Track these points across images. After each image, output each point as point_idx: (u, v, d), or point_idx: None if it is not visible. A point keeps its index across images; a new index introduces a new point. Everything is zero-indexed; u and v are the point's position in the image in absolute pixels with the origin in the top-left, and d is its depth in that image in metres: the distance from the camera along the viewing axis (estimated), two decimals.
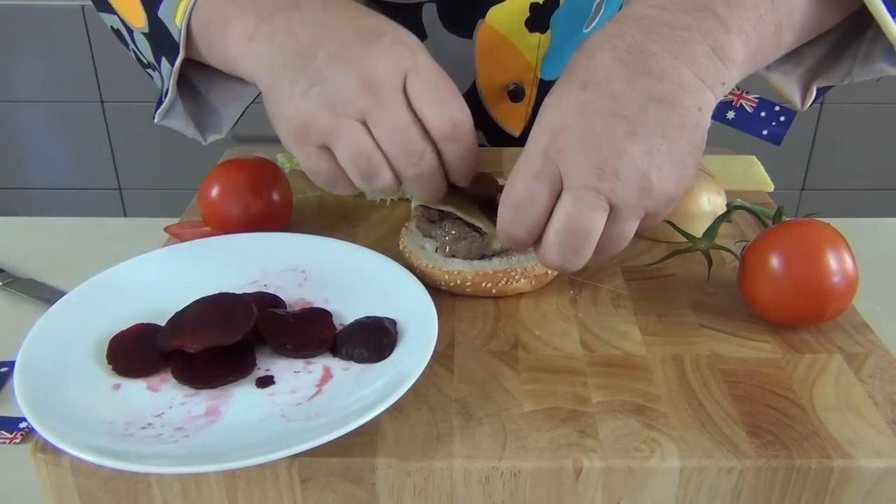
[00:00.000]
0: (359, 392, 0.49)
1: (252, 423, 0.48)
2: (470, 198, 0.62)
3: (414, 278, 0.58)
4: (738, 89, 0.66)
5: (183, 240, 0.66)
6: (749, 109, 0.66)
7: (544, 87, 0.90)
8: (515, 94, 0.87)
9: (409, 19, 0.82)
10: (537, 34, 0.84)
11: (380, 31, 0.54)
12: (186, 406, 0.49)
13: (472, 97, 0.88)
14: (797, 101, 0.64)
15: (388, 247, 0.64)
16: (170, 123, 0.68)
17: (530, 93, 0.89)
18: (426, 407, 0.50)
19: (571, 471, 0.46)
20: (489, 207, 0.61)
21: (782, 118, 0.65)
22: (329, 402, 0.49)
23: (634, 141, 0.48)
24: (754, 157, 0.85)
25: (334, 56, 0.53)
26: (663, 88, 0.49)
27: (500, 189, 0.63)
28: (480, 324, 0.58)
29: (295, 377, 0.52)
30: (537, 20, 0.83)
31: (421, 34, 0.83)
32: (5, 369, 0.66)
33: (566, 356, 0.55)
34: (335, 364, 0.53)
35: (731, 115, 0.67)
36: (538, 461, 0.46)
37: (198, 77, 0.67)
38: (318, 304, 0.58)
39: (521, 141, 0.92)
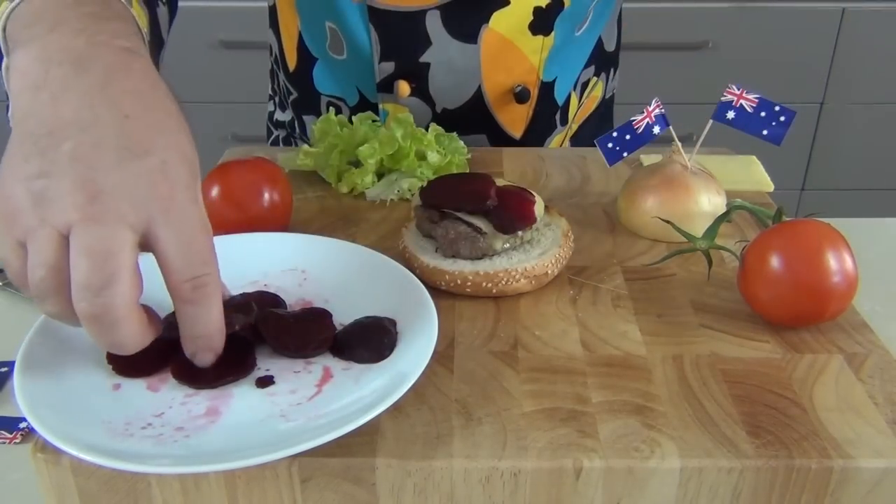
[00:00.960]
0: (359, 392, 0.49)
1: (252, 423, 0.48)
2: (465, 196, 0.62)
3: (414, 278, 0.58)
4: (739, 89, 0.66)
5: None
6: (749, 109, 0.66)
7: (545, 89, 0.91)
8: (521, 96, 0.88)
9: (413, 26, 0.82)
10: (541, 37, 0.84)
11: (148, 148, 0.45)
12: (186, 406, 0.49)
13: (478, 101, 0.88)
14: None
15: (388, 247, 0.64)
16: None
17: (533, 94, 0.89)
18: (426, 407, 0.50)
19: (571, 471, 0.46)
20: (484, 206, 0.61)
21: (782, 118, 0.65)
22: (329, 402, 0.49)
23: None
24: (754, 157, 0.85)
25: (79, 155, 0.44)
26: None
27: (497, 188, 0.63)
28: (480, 324, 0.58)
29: (295, 377, 0.52)
30: (540, 23, 0.84)
31: (425, 41, 0.83)
32: (5, 369, 0.66)
33: (566, 356, 0.55)
34: (335, 364, 0.53)
35: (731, 115, 0.67)
36: (538, 461, 0.46)
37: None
38: (318, 304, 0.58)
39: (521, 142, 0.92)
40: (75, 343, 0.53)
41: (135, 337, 0.45)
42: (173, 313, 0.54)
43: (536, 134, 0.94)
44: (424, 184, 0.70)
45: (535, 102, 0.91)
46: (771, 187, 0.80)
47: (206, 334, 0.47)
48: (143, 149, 0.45)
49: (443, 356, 0.54)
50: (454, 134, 0.82)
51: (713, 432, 0.48)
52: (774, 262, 0.55)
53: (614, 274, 0.64)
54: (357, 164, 0.79)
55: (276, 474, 0.47)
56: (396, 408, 0.48)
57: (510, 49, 0.85)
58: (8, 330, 0.59)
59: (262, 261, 0.62)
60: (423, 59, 0.83)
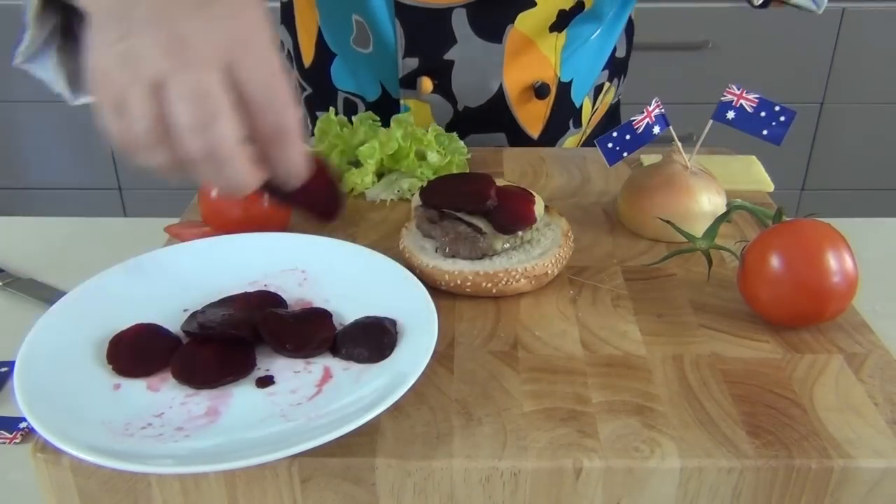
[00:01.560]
0: (359, 392, 0.49)
1: (252, 423, 0.48)
2: (465, 197, 0.62)
3: (414, 278, 0.58)
4: (739, 89, 0.66)
5: (183, 240, 0.66)
6: (749, 109, 0.66)
7: (562, 88, 0.92)
8: (541, 91, 0.89)
9: (439, 24, 0.83)
10: (555, 34, 0.86)
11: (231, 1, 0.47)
12: (186, 406, 0.49)
13: (499, 99, 0.89)
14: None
15: (388, 247, 0.64)
16: (34, 70, 0.63)
17: (552, 91, 0.90)
18: (426, 407, 0.50)
19: (571, 471, 0.46)
20: (484, 206, 0.61)
21: (782, 118, 0.65)
22: (329, 402, 0.49)
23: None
24: (754, 157, 0.85)
25: (153, 14, 0.45)
26: None
27: (497, 188, 0.63)
28: (480, 324, 0.58)
29: (295, 377, 0.52)
30: (559, 22, 0.85)
31: (450, 39, 0.84)
32: (5, 369, 0.66)
33: (566, 356, 0.55)
34: (335, 364, 0.53)
35: (731, 115, 0.67)
36: (538, 461, 0.46)
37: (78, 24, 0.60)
38: (318, 304, 0.58)
39: (538, 142, 0.92)
40: (75, 343, 0.53)
41: (246, 173, 0.46)
42: (193, 315, 0.55)
43: (552, 134, 0.95)
44: (424, 184, 0.70)
45: (553, 101, 0.92)
46: (771, 187, 0.80)
47: (293, 174, 0.49)
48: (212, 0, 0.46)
49: (443, 356, 0.54)
50: (454, 134, 0.82)
51: (713, 432, 0.48)
52: (774, 262, 0.55)
53: (614, 274, 0.64)
54: (357, 164, 0.79)
55: (276, 474, 0.47)
56: (396, 408, 0.48)
57: (531, 47, 0.86)
58: (8, 330, 0.59)
59: (262, 261, 0.62)
60: (448, 56, 0.83)
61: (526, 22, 0.84)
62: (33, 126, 2.16)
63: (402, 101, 0.91)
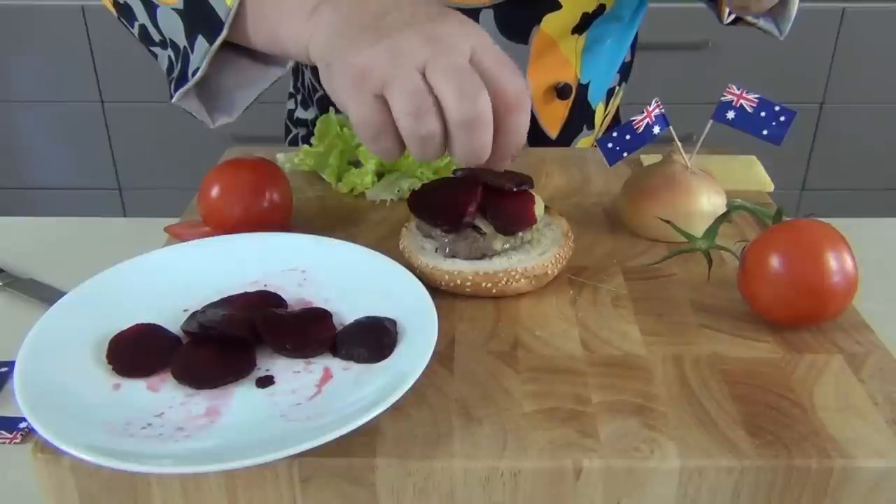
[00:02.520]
0: (359, 392, 0.49)
1: (252, 423, 0.48)
2: (442, 210, 0.62)
3: (414, 278, 0.58)
4: (739, 89, 0.66)
5: (183, 240, 0.66)
6: (749, 109, 0.66)
7: (581, 90, 0.93)
8: (564, 92, 0.90)
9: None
10: (576, 36, 0.87)
11: (447, 11, 0.57)
12: (186, 406, 0.49)
13: None
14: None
15: (388, 247, 0.64)
16: (185, 104, 0.69)
17: (577, 90, 0.91)
18: (426, 407, 0.50)
19: (571, 471, 0.46)
20: (459, 223, 0.61)
21: (782, 118, 0.65)
22: (329, 402, 0.49)
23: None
24: (754, 157, 0.85)
25: (404, 21, 0.55)
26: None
27: (495, 189, 0.63)
28: (480, 324, 0.58)
29: (295, 377, 0.52)
30: (581, 24, 0.87)
31: None
32: (5, 369, 0.66)
33: (566, 356, 0.55)
34: (335, 364, 0.53)
35: (731, 115, 0.67)
36: (538, 461, 0.46)
37: (216, 59, 0.66)
38: (318, 304, 0.58)
39: (556, 142, 0.93)
40: (75, 343, 0.53)
41: (490, 141, 0.54)
42: (193, 315, 0.55)
43: (568, 135, 0.96)
44: (425, 182, 0.70)
45: (572, 102, 0.93)
46: (771, 187, 0.80)
47: (519, 143, 0.56)
48: (445, 12, 0.56)
49: (443, 356, 0.54)
50: None
51: (713, 432, 0.48)
52: (774, 262, 0.55)
53: (614, 274, 0.64)
54: (357, 164, 0.79)
55: (276, 474, 0.47)
56: (396, 408, 0.48)
57: (553, 49, 0.87)
58: (8, 330, 0.59)
59: (262, 261, 0.62)
60: None
61: (551, 23, 0.85)
62: (33, 126, 2.16)
63: None
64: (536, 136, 0.94)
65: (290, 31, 0.60)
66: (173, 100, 0.68)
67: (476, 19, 0.83)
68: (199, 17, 0.64)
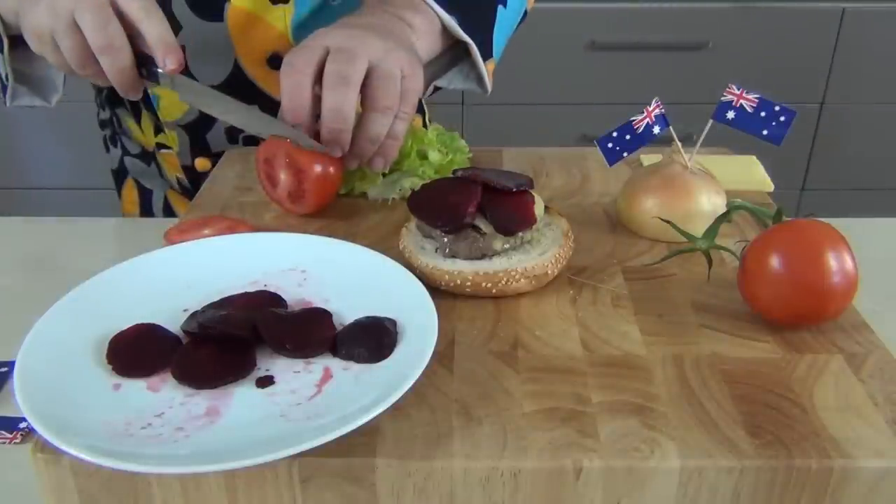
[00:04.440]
0: (359, 392, 0.49)
1: (252, 423, 0.48)
2: (442, 211, 0.62)
3: (414, 278, 0.58)
4: (739, 89, 0.66)
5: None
6: (749, 109, 0.66)
7: None
8: (274, 62, 0.91)
9: (162, 10, 0.85)
10: (281, 6, 0.89)
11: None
12: (186, 406, 0.49)
13: (238, 74, 0.91)
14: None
15: (388, 247, 0.64)
16: (20, 102, 0.84)
17: None
18: (426, 407, 0.50)
19: (571, 471, 0.46)
20: (460, 224, 0.61)
21: (782, 118, 0.65)
22: (329, 402, 0.49)
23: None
24: (754, 157, 0.85)
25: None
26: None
27: (494, 189, 0.63)
28: (480, 324, 0.58)
29: (295, 377, 0.52)
30: None
31: (176, 25, 0.87)
32: (5, 369, 0.66)
33: (566, 356, 0.55)
34: (335, 364, 0.53)
35: (731, 115, 0.67)
36: (538, 461, 0.46)
37: (20, 60, 0.80)
38: (318, 304, 0.58)
39: None
40: (75, 343, 0.53)
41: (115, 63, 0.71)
42: (193, 315, 0.55)
43: None
44: (427, 181, 0.70)
45: None
46: (771, 187, 0.80)
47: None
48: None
49: (443, 356, 0.54)
50: (455, 133, 0.83)
51: (713, 432, 0.48)
52: (774, 262, 0.55)
53: (614, 274, 0.64)
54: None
55: (276, 474, 0.47)
56: (396, 408, 0.48)
57: (256, 21, 0.89)
58: (8, 330, 0.59)
59: (262, 261, 0.62)
60: (178, 42, 0.86)
61: None
62: (33, 126, 2.15)
63: (151, 92, 0.92)
64: (270, 104, 0.93)
65: (5, 7, 0.75)
66: (8, 104, 0.82)
67: (170, 6, 0.86)
68: None
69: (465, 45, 0.83)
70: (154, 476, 0.47)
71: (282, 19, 0.90)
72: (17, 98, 0.84)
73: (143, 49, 0.72)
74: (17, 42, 0.77)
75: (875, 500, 0.47)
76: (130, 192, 1.08)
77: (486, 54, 0.84)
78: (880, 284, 0.66)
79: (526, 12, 0.97)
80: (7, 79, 0.80)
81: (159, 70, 0.72)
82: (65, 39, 0.69)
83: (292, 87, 0.69)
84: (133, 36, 0.71)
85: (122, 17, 0.70)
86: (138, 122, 1.00)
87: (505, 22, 0.88)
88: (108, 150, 1.10)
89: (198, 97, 0.76)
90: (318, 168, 0.70)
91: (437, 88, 0.90)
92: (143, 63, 0.72)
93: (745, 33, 2.00)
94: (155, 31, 0.70)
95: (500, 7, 0.87)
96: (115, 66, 0.70)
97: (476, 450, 0.47)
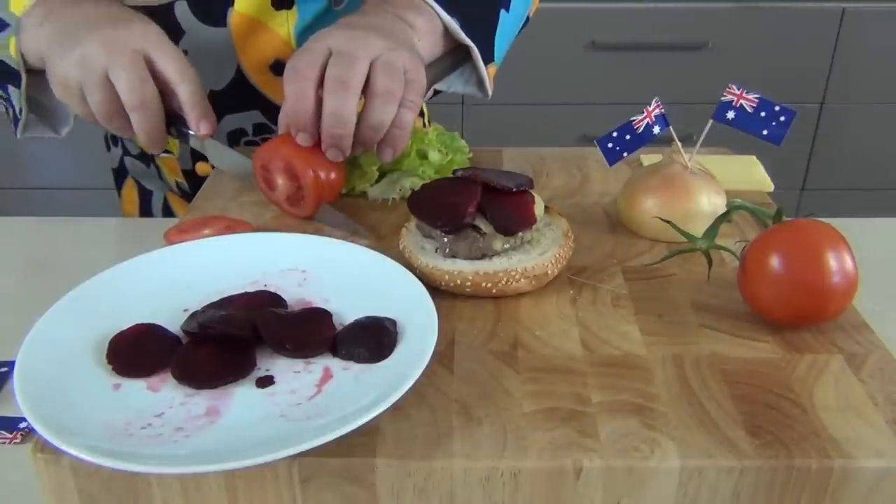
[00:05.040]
0: (359, 392, 0.49)
1: (252, 423, 0.48)
2: (442, 210, 0.62)
3: (414, 278, 0.58)
4: (739, 89, 0.66)
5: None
6: (749, 109, 0.66)
7: None
8: (277, 68, 0.91)
9: (165, 18, 0.87)
10: (284, 11, 0.89)
11: (130, 18, 0.72)
12: (186, 406, 0.49)
13: (240, 80, 0.91)
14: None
15: (388, 247, 0.64)
16: (31, 134, 0.84)
17: None
18: (426, 407, 0.50)
19: (571, 471, 0.46)
20: (460, 224, 0.61)
21: (782, 118, 0.65)
22: (329, 402, 0.49)
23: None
24: (754, 157, 0.85)
25: (89, 29, 0.70)
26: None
27: (494, 189, 0.63)
28: (480, 324, 0.58)
29: (295, 377, 0.52)
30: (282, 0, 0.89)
31: (178, 30, 0.87)
32: (5, 369, 0.66)
33: (566, 356, 0.55)
34: (335, 364, 0.53)
35: (731, 115, 0.67)
36: (538, 461, 0.46)
37: (34, 88, 0.79)
38: (318, 304, 0.58)
39: None
40: (75, 343, 0.53)
41: (149, 122, 0.72)
42: (193, 315, 0.55)
43: None
44: (427, 181, 0.70)
45: None
46: (771, 187, 0.80)
47: (202, 111, 0.73)
48: (127, 19, 0.73)
49: (443, 356, 0.54)
50: (455, 133, 0.83)
51: (713, 432, 0.48)
52: (774, 262, 0.55)
53: (614, 274, 0.64)
54: (357, 164, 0.79)
55: (276, 474, 0.47)
56: (396, 408, 0.48)
57: (259, 27, 0.89)
58: (8, 330, 0.59)
59: (262, 261, 0.62)
60: (180, 47, 0.88)
61: (244, 3, 0.87)
62: None
63: None
64: (273, 110, 0.94)
65: (32, 45, 0.74)
66: (18, 136, 0.82)
67: (172, 12, 0.86)
68: (3, 73, 0.78)
69: (466, 48, 0.82)
70: (154, 476, 0.47)
71: (285, 25, 0.90)
72: (29, 130, 0.83)
73: (174, 107, 0.72)
74: (32, 71, 0.77)
75: (875, 500, 0.47)
76: (130, 191, 1.08)
77: (488, 58, 0.84)
78: (880, 284, 0.66)
79: (528, 18, 0.97)
80: (20, 113, 0.80)
81: (190, 132, 0.73)
82: (95, 94, 0.69)
83: (296, 93, 0.69)
84: (165, 93, 0.71)
85: (155, 75, 0.70)
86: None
87: (507, 26, 0.88)
88: (108, 148, 1.10)
89: (224, 159, 0.77)
90: (321, 175, 0.70)
91: (437, 92, 0.90)
92: (173, 122, 0.73)
93: (745, 33, 2.00)
94: (190, 94, 0.71)
95: (502, 11, 0.86)
96: (147, 124, 0.71)
97: (476, 450, 0.47)
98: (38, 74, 0.76)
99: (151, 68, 0.70)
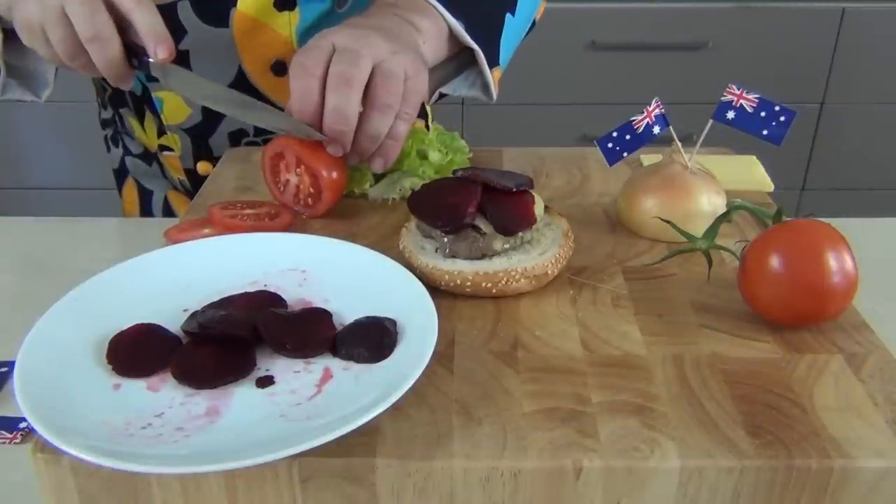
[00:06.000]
0: (359, 392, 0.49)
1: (252, 423, 0.48)
2: (442, 210, 0.62)
3: (414, 278, 0.58)
4: (739, 89, 0.66)
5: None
6: (749, 109, 0.66)
7: None
8: (278, 69, 0.92)
9: (167, 17, 0.86)
10: (286, 12, 0.89)
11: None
12: (186, 406, 0.49)
13: (241, 80, 0.91)
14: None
15: (388, 247, 0.64)
16: (11, 96, 0.84)
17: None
18: (426, 407, 0.50)
19: (571, 471, 0.46)
20: (460, 224, 0.61)
21: (782, 118, 0.65)
22: (329, 402, 0.49)
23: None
24: (754, 157, 0.85)
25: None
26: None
27: (494, 189, 0.63)
28: (480, 324, 0.58)
29: (295, 377, 0.52)
30: (284, 0, 0.89)
31: (181, 30, 0.87)
32: (5, 369, 0.66)
33: (566, 356, 0.55)
34: (335, 364, 0.53)
35: (731, 115, 0.67)
36: (538, 461, 0.46)
37: (10, 53, 0.80)
38: (318, 304, 0.58)
39: None
40: (75, 343, 0.53)
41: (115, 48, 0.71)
42: (193, 315, 0.55)
43: None
44: (427, 181, 0.70)
45: None
46: (771, 187, 0.80)
47: (157, 36, 0.70)
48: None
49: (443, 356, 0.54)
50: (455, 133, 0.83)
51: (713, 432, 0.48)
52: (774, 262, 0.55)
53: (614, 274, 0.64)
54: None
55: (276, 474, 0.47)
56: (396, 408, 0.48)
57: (261, 27, 0.89)
58: (8, 330, 0.59)
59: (262, 261, 0.62)
60: (182, 46, 0.88)
61: (247, 3, 0.87)
62: (33, 126, 2.16)
63: (154, 95, 0.93)
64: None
65: None
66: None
67: (175, 12, 0.86)
68: None
69: (471, 51, 0.82)
70: (154, 476, 0.47)
71: (287, 26, 0.90)
72: (8, 92, 0.84)
73: (135, 39, 0.71)
74: (9, 36, 0.78)
75: (875, 500, 0.47)
76: (131, 191, 1.08)
77: (493, 61, 0.84)
78: (880, 284, 0.66)
79: (534, 21, 0.97)
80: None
81: (150, 60, 0.71)
82: (54, 31, 0.69)
83: (303, 90, 0.68)
84: (124, 27, 0.70)
85: (112, 7, 0.69)
86: (141, 123, 1.00)
87: (513, 30, 0.88)
88: (109, 149, 1.10)
89: (190, 87, 0.76)
90: (334, 174, 0.70)
91: (442, 95, 0.90)
92: (134, 53, 0.72)
93: (745, 33, 2.00)
94: (145, 20, 0.69)
95: (508, 15, 0.86)
96: (104, 56, 0.70)
97: (476, 450, 0.47)
98: (13, 37, 0.76)
99: (107, 1, 0.69)
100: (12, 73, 0.83)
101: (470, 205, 0.61)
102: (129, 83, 0.74)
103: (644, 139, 0.69)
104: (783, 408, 0.50)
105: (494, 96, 0.87)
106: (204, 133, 0.95)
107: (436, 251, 0.63)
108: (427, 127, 1.08)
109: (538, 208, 0.63)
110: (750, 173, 0.82)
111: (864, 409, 0.50)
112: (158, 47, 0.70)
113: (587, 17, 1.99)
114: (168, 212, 1.06)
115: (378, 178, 0.78)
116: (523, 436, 0.47)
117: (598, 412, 0.49)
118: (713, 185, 0.69)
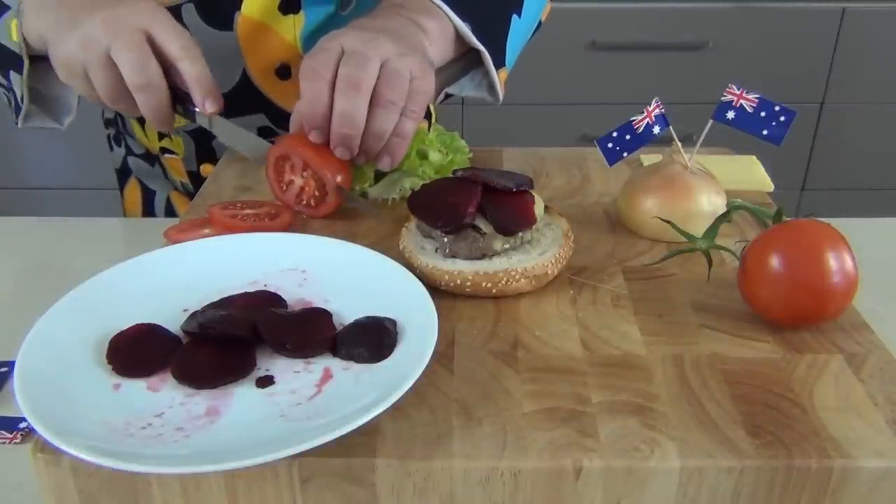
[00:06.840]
0: (359, 392, 0.49)
1: (252, 423, 0.48)
2: (442, 210, 0.62)
3: (414, 278, 0.58)
4: (739, 89, 0.66)
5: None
6: (749, 109, 0.66)
7: None
8: (283, 73, 0.92)
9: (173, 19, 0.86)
10: (291, 16, 0.89)
11: None
12: (186, 406, 0.49)
13: (246, 83, 0.91)
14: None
15: (388, 247, 0.64)
16: (33, 124, 0.83)
17: (297, 70, 0.91)
18: (426, 407, 0.50)
19: (571, 471, 0.46)
20: (460, 224, 0.61)
21: (782, 118, 0.65)
22: (329, 402, 0.49)
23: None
24: (754, 157, 0.85)
25: (91, 9, 0.69)
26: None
27: (494, 189, 0.63)
28: (480, 324, 0.58)
29: (295, 377, 0.52)
30: (289, 3, 0.88)
31: None
32: (5, 369, 0.66)
33: (566, 356, 0.55)
34: (335, 364, 0.53)
35: (731, 115, 0.67)
36: (538, 461, 0.46)
37: (35, 78, 0.79)
38: (318, 304, 0.58)
39: None
40: (75, 343, 0.53)
41: (156, 101, 0.72)
42: (193, 315, 0.55)
43: None
44: (426, 182, 0.70)
45: None
46: (771, 187, 0.80)
47: (207, 87, 0.72)
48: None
49: (443, 356, 0.54)
50: (455, 133, 0.83)
51: (713, 432, 0.48)
52: (774, 262, 0.55)
53: (614, 274, 0.64)
54: (354, 164, 0.79)
55: (276, 474, 0.47)
56: (396, 408, 0.48)
57: (266, 31, 0.89)
58: (8, 330, 0.59)
59: (262, 261, 0.62)
60: None
61: (252, 6, 0.87)
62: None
63: None
64: (278, 115, 0.94)
65: (36, 29, 0.73)
66: (20, 125, 0.82)
67: (180, 15, 0.86)
68: (3, 58, 0.77)
69: (477, 52, 0.82)
70: (154, 476, 0.47)
71: (291, 29, 0.89)
72: (30, 120, 0.83)
73: (180, 85, 0.72)
74: (33, 59, 0.77)
75: (875, 500, 0.47)
76: (134, 191, 1.08)
77: (499, 63, 0.84)
78: (880, 284, 0.66)
79: (540, 23, 0.97)
80: (22, 100, 0.80)
81: (196, 110, 0.72)
82: (98, 74, 0.69)
83: (313, 93, 0.68)
84: (169, 71, 0.71)
85: (158, 53, 0.70)
86: (142, 125, 1.00)
87: (519, 31, 0.88)
88: (111, 148, 1.10)
89: (234, 138, 0.77)
90: (339, 178, 0.70)
91: (448, 95, 0.90)
92: (179, 99, 0.72)
93: (745, 33, 2.00)
94: (193, 71, 0.70)
95: (514, 16, 0.86)
96: (152, 104, 0.70)
97: (476, 450, 0.47)
98: (39, 62, 0.76)
99: (154, 46, 0.69)
100: (35, 98, 0.82)
101: (470, 205, 0.61)
102: (171, 127, 0.75)
103: (644, 139, 0.69)
104: (783, 408, 0.50)
105: (501, 97, 0.87)
106: (207, 136, 0.95)
107: (436, 251, 0.63)
108: (430, 127, 1.08)
109: (538, 208, 0.63)
110: (750, 173, 0.82)
111: (864, 409, 0.50)
112: (207, 101, 0.71)
113: (587, 17, 1.99)
114: (170, 212, 1.06)
115: (378, 177, 0.78)
116: (523, 436, 0.48)
117: (598, 412, 0.49)
118: (713, 185, 0.69)
